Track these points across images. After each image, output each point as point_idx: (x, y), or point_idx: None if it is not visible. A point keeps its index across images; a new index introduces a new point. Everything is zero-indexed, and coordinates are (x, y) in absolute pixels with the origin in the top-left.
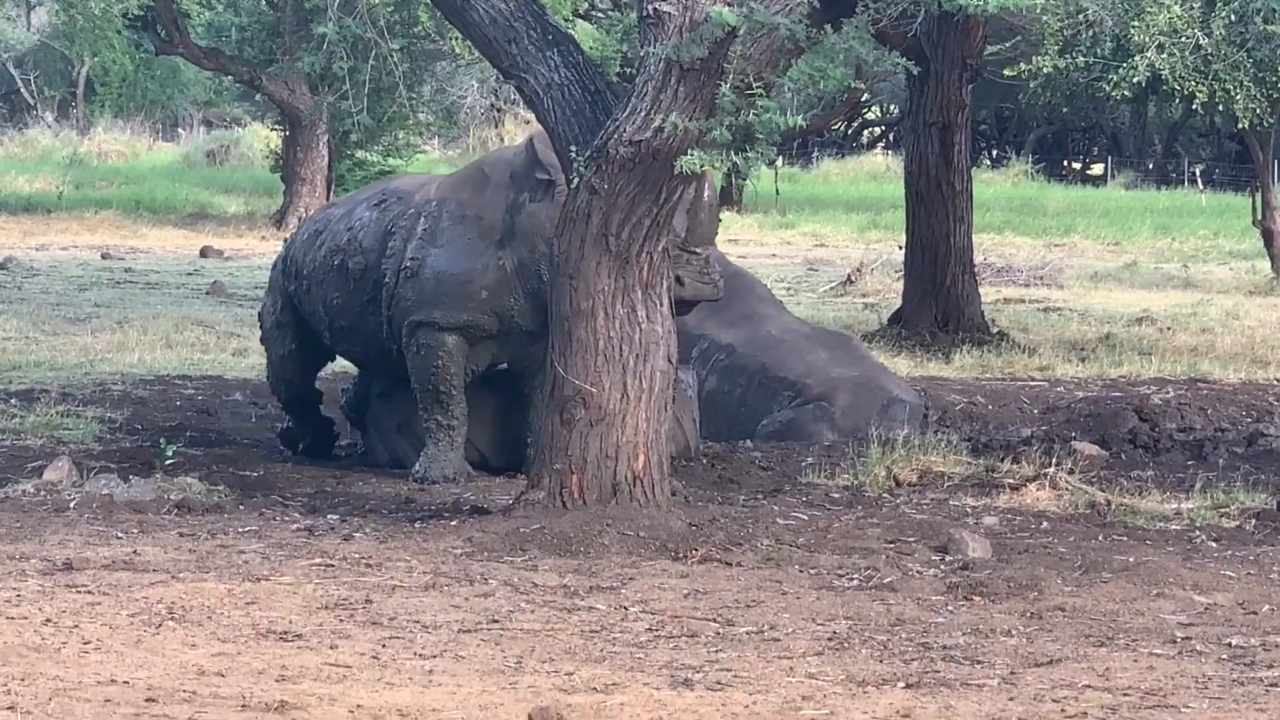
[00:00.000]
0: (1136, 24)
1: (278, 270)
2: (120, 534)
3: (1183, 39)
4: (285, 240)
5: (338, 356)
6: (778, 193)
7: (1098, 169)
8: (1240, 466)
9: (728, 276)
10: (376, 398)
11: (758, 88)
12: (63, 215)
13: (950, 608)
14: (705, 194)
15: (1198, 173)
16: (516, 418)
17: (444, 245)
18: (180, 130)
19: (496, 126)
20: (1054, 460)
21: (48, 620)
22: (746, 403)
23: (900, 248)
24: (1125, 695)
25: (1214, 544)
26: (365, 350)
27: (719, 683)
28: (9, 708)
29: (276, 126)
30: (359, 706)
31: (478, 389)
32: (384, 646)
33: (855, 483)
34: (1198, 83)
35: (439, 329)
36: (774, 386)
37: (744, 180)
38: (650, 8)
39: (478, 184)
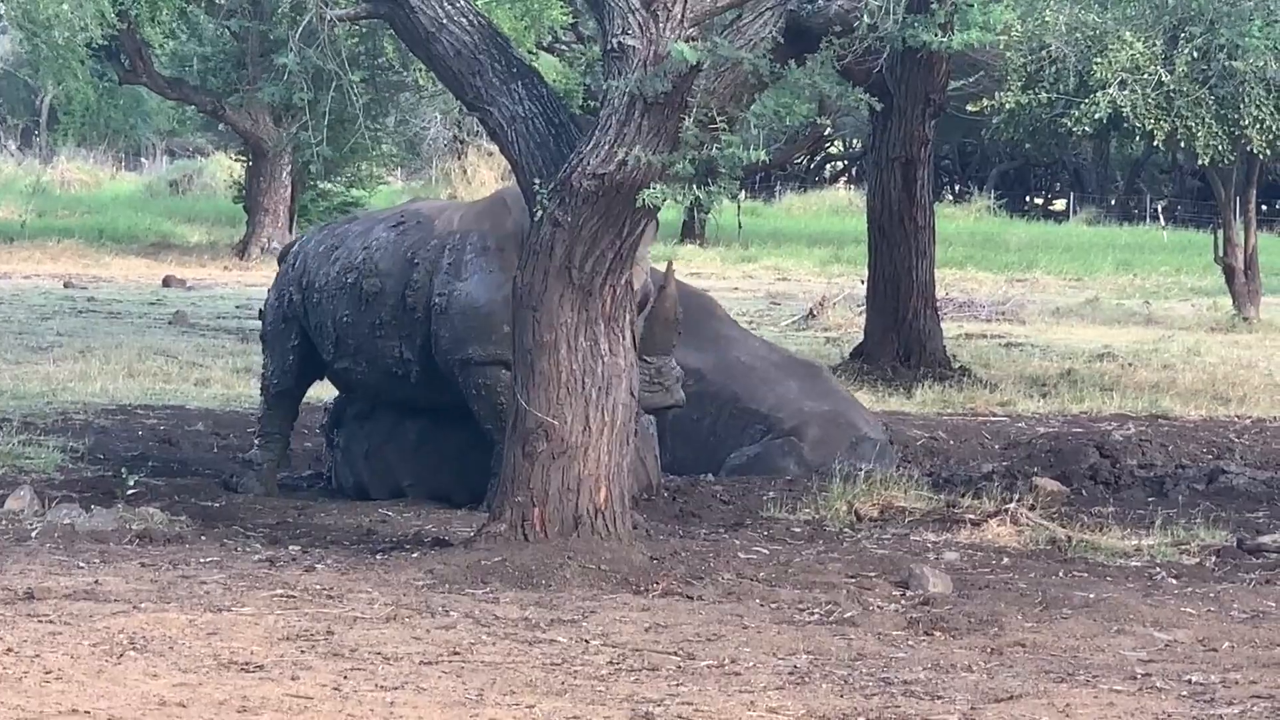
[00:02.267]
0: (1099, 60)
1: (287, 266)
2: (82, 564)
3: (1145, 75)
4: (293, 244)
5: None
6: (740, 226)
7: (1060, 205)
8: (1201, 503)
9: (684, 297)
10: (350, 420)
11: (721, 122)
12: (25, 244)
13: (911, 643)
14: (666, 305)
15: (1160, 209)
16: (478, 455)
17: (467, 279)
18: (143, 159)
19: (460, 158)
20: (1015, 496)
21: (9, 650)
22: (716, 432)
23: (862, 282)
24: None
25: (1174, 581)
26: (369, 370)
27: (680, 716)
28: None
29: (239, 156)
30: None
31: (441, 426)
32: (345, 678)
33: (816, 517)
34: (1159, 119)
35: (478, 364)
36: (745, 418)
37: (706, 214)
38: (614, 41)
39: (499, 216)
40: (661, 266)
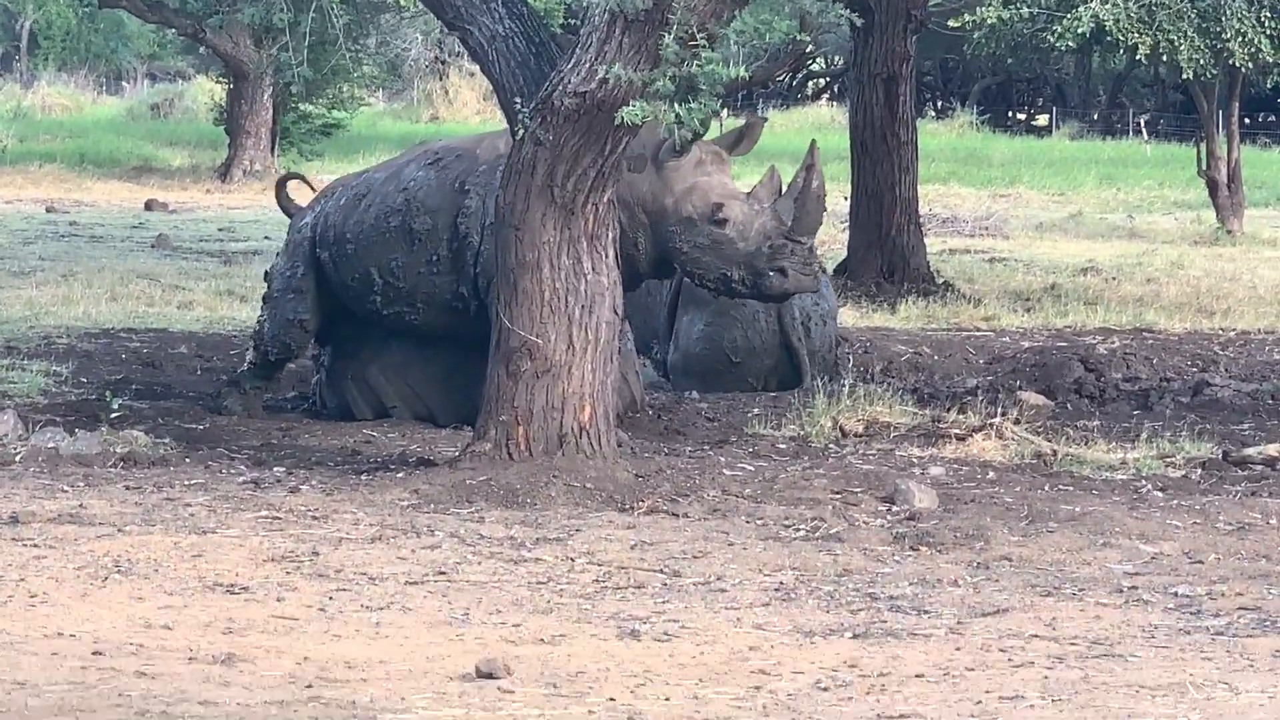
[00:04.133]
0: None
1: (302, 237)
2: (66, 487)
3: None
4: (300, 210)
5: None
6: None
7: (1042, 119)
8: (1186, 416)
9: None
10: (335, 342)
11: (701, 39)
12: (7, 169)
13: (897, 558)
14: (815, 183)
15: (1142, 123)
16: (464, 377)
17: None
18: (124, 83)
19: (441, 79)
20: (1000, 410)
21: None
22: None
23: (845, 199)
24: (1072, 644)
25: (1160, 494)
26: (425, 310)
27: (666, 634)
28: None
29: (221, 79)
30: (306, 659)
31: (427, 348)
32: (331, 599)
33: (801, 433)
34: (1141, 33)
35: None
36: None
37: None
38: None
39: None
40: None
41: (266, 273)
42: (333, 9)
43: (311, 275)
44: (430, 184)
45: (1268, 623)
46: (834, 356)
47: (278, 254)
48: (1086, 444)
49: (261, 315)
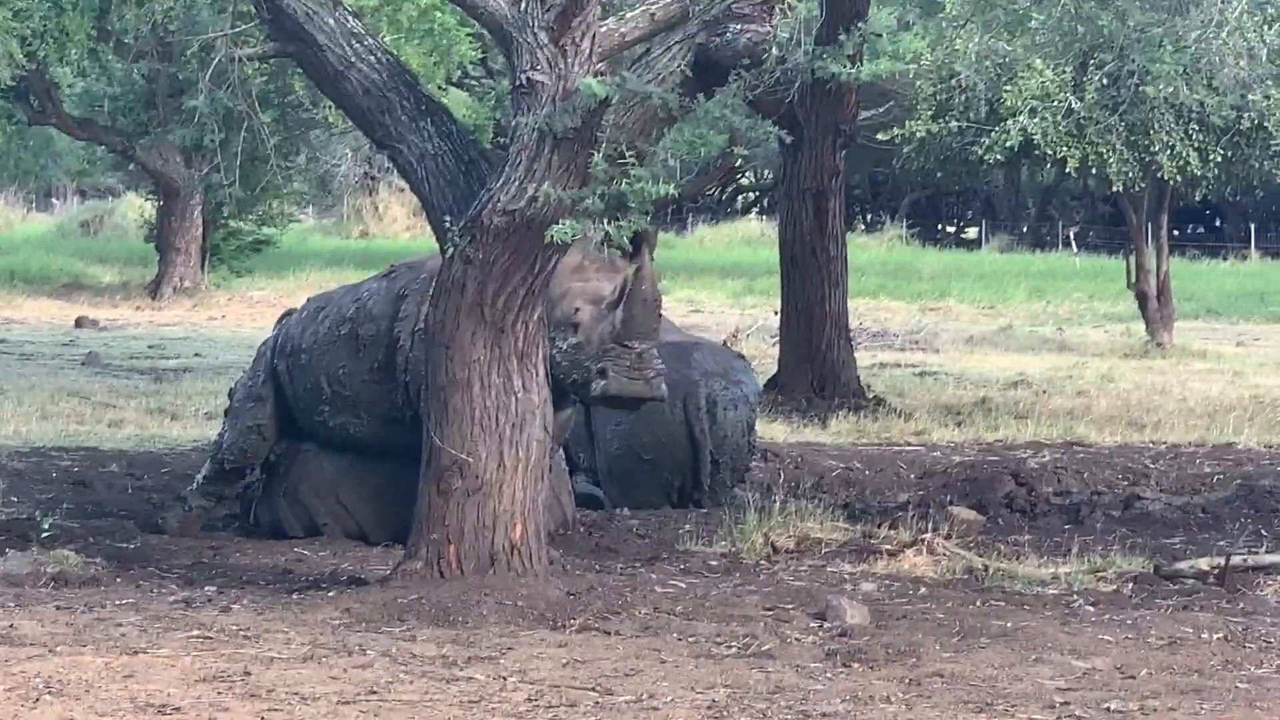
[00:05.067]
0: (1009, 88)
1: (265, 347)
2: None
3: (1055, 103)
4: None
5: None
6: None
7: (972, 232)
8: (1117, 530)
9: None
10: (268, 462)
11: (631, 156)
12: None
13: (829, 675)
14: (643, 286)
15: (1072, 235)
16: (395, 494)
17: None
18: (54, 200)
19: (371, 195)
20: (931, 525)
21: None
22: None
23: (776, 313)
24: None
25: (1091, 608)
26: (367, 420)
27: None
28: None
29: (150, 196)
30: None
31: (357, 464)
32: (263, 719)
33: (733, 550)
34: (1070, 146)
35: None
36: None
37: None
38: (523, 77)
39: None
40: None
41: (231, 390)
42: (264, 128)
43: (270, 384)
44: (379, 293)
45: None
46: (747, 442)
47: (245, 371)
48: (1018, 559)
49: (223, 427)
